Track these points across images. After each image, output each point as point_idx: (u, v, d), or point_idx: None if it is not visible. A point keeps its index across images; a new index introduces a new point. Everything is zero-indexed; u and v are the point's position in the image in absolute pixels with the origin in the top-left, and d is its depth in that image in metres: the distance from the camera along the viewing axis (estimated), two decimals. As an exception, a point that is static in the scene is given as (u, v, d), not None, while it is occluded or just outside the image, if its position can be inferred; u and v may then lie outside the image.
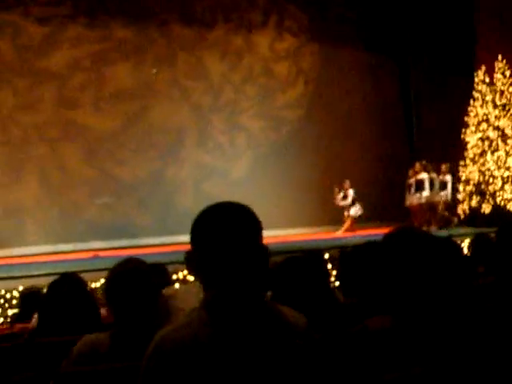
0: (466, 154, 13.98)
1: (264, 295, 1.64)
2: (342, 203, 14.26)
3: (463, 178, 13.98)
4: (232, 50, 15.05)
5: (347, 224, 14.22)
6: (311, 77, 15.87)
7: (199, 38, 14.62)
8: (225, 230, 1.59)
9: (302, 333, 1.65)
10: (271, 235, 12.12)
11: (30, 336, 3.49)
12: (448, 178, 13.77)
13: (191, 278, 8.16)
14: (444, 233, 12.10)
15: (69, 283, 3.31)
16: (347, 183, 14.18)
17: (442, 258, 2.09)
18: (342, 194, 14.26)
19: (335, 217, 14.35)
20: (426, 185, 13.71)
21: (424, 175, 13.74)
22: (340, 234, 13.91)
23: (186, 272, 8.08)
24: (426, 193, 13.72)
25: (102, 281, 6.62)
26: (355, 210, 14.22)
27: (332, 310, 2.81)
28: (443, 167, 13.80)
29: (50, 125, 13.07)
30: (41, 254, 11.73)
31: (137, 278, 2.47)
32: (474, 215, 13.72)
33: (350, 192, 14.18)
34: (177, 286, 5.76)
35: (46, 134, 13.03)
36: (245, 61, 15.21)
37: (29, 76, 12.98)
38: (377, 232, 11.72)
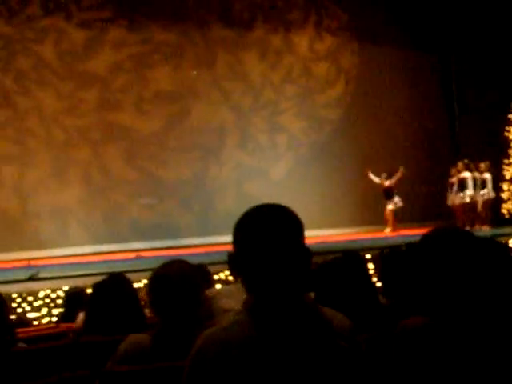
0: (509, 151, 13.73)
1: (307, 297, 1.64)
2: (388, 182, 14.15)
3: (507, 177, 13.73)
4: (271, 50, 15.05)
5: (391, 220, 14.11)
6: (351, 76, 15.78)
7: (238, 38, 14.66)
8: (267, 231, 1.59)
9: (346, 335, 1.65)
10: (312, 235, 12.12)
11: (76, 335, 3.55)
12: (487, 176, 13.54)
13: (233, 279, 8.19)
14: (488, 232, 11.91)
15: (115, 283, 3.35)
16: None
17: (484, 258, 2.05)
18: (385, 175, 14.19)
19: (376, 217, 14.25)
20: (470, 184, 13.53)
21: (467, 174, 13.56)
22: (389, 231, 13.85)
23: (227, 273, 8.12)
24: (469, 192, 13.54)
25: (145, 281, 6.69)
26: (394, 203, 14.10)
27: (373, 311, 2.79)
28: (482, 165, 13.58)
29: (92, 127, 13.27)
30: (84, 254, 11.92)
31: (180, 279, 2.49)
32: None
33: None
34: (218, 286, 5.78)
35: (89, 136, 13.24)
36: (284, 61, 15.20)
37: (71, 79, 13.19)
38: (419, 232, 11.60)
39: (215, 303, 3.48)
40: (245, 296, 2.69)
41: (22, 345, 3.24)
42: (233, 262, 1.65)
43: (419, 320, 1.99)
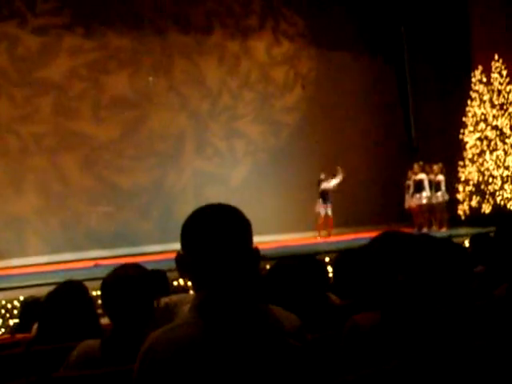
0: (464, 154, 13.98)
1: (255, 296, 1.64)
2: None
3: (462, 179, 13.98)
4: (229, 56, 15.07)
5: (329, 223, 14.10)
6: (309, 81, 15.90)
7: (195, 44, 14.65)
8: (214, 230, 1.59)
9: (295, 333, 1.66)
10: (270, 240, 12.16)
11: (29, 344, 3.49)
12: (441, 177, 13.77)
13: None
14: (445, 233, 12.10)
15: (70, 290, 3.31)
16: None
17: (439, 258, 2.12)
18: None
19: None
20: (426, 185, 13.74)
21: (423, 176, 13.78)
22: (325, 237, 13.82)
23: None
24: (425, 193, 13.74)
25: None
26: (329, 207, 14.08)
27: (325, 311, 2.82)
28: (435, 168, 13.80)
29: (48, 135, 13.09)
30: (42, 264, 11.74)
31: (130, 283, 2.48)
32: (474, 215, 13.70)
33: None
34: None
35: (45, 144, 13.05)
36: (242, 66, 15.23)
37: (26, 86, 12.99)
38: (375, 235, 11.72)
39: (177, 309, 3.46)
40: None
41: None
42: (181, 262, 1.64)
43: (369, 315, 2.03)
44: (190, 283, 6.54)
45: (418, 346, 1.86)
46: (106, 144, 13.55)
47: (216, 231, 1.59)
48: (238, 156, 14.95)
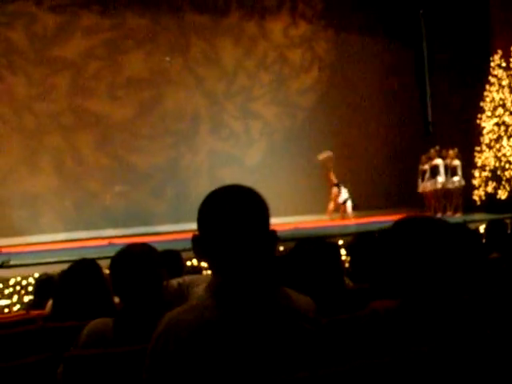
0: (481, 139, 13.84)
1: (271, 279, 1.63)
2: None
3: (479, 164, 13.86)
4: (245, 37, 15.00)
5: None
6: (326, 63, 15.80)
7: (212, 24, 14.58)
8: (231, 212, 1.58)
9: (309, 316, 1.65)
10: (284, 222, 12.15)
11: (44, 321, 3.52)
12: (457, 163, 13.67)
13: (204, 265, 8.19)
14: (459, 219, 12.04)
15: (84, 268, 3.32)
16: None
17: (452, 243, 2.08)
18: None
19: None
20: (441, 170, 13.65)
21: (439, 161, 13.69)
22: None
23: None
24: (441, 178, 13.66)
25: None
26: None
27: (340, 295, 2.81)
28: (451, 153, 13.69)
29: (64, 113, 13.13)
30: (57, 241, 11.82)
31: (140, 261, 2.48)
32: (490, 201, 13.60)
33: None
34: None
35: (61, 122, 13.10)
36: (259, 47, 15.17)
37: (43, 65, 13.02)
38: (388, 219, 11.71)
39: (190, 290, 3.47)
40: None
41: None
42: (197, 243, 1.63)
43: (390, 303, 2.01)
44: (203, 264, 6.57)
45: (439, 334, 1.84)
46: (121, 123, 13.57)
47: (233, 213, 1.58)
48: (254, 137, 14.93)
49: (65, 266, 3.51)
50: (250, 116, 14.89)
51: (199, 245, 1.63)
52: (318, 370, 1.60)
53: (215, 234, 1.58)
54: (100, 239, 11.59)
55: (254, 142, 14.90)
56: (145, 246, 2.58)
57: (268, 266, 1.62)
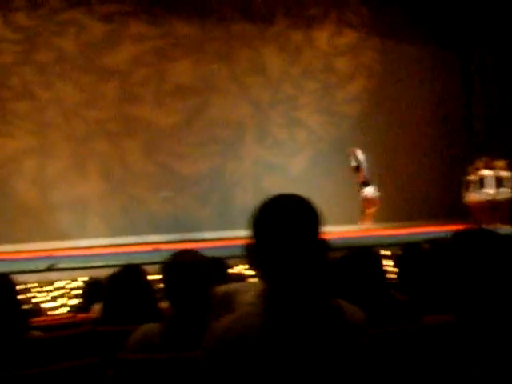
0: (531, 150, 13.56)
1: (323, 289, 1.63)
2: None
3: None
4: (291, 45, 15.02)
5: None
6: (372, 72, 15.70)
7: (258, 33, 14.65)
8: (284, 221, 1.58)
9: (360, 328, 1.64)
10: (330, 231, 12.06)
11: (92, 325, 3.58)
12: (506, 174, 13.41)
13: (249, 272, 8.19)
14: (508, 230, 11.80)
15: (131, 274, 3.37)
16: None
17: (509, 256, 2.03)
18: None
19: (396, 213, 14.17)
20: (489, 182, 13.42)
21: (486, 172, 13.46)
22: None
23: (243, 266, 8.12)
24: (489, 190, 13.43)
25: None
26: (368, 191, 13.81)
27: (388, 306, 2.79)
28: (500, 163, 13.45)
29: (112, 120, 13.35)
30: (102, 246, 11.99)
31: (191, 267, 2.50)
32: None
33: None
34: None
35: (108, 129, 13.32)
36: (304, 55, 15.16)
37: (92, 72, 13.27)
38: (435, 230, 11.55)
39: (236, 298, 3.48)
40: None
41: (36, 333, 3.26)
42: (250, 252, 1.64)
43: (443, 318, 1.97)
44: (247, 272, 6.57)
45: (495, 353, 1.80)
46: (167, 130, 13.72)
47: (286, 221, 1.58)
48: (298, 146, 14.90)
49: (111, 271, 3.56)
50: (294, 124, 14.88)
51: (252, 252, 1.64)
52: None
53: (268, 242, 1.59)
54: (145, 245, 11.71)
55: (299, 150, 14.87)
56: (197, 253, 2.61)
57: (320, 275, 1.62)
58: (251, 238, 1.64)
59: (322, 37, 15.35)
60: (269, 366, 1.51)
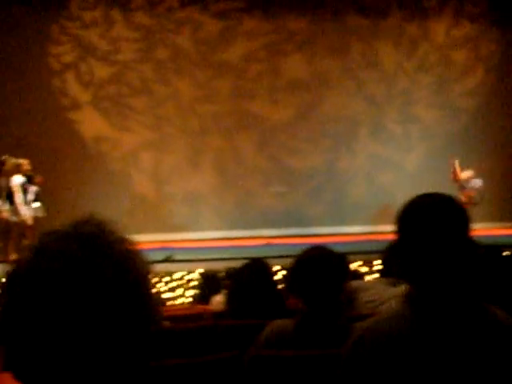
0: None
1: (474, 291, 1.56)
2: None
3: None
4: (406, 38, 14.67)
5: None
6: (491, 64, 15.08)
7: (372, 26, 14.40)
8: (433, 221, 1.53)
9: None
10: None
11: (215, 318, 3.63)
12: None
13: (364, 269, 8.09)
14: None
15: (256, 268, 3.39)
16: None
17: None
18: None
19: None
20: None
21: None
22: None
23: (356, 264, 8.03)
24: None
25: (276, 268, 6.74)
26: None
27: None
28: None
29: (226, 115, 13.56)
30: (216, 239, 12.22)
31: (325, 264, 2.48)
32: None
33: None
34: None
35: (223, 124, 13.54)
36: (420, 49, 14.77)
37: (207, 68, 13.55)
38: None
39: (357, 295, 3.46)
40: (382, 289, 2.62)
41: (165, 323, 3.35)
42: (395, 251, 1.60)
43: None
44: (362, 269, 6.53)
45: None
46: (280, 125, 13.78)
47: (436, 221, 1.53)
48: (413, 141, 14.53)
49: (225, 264, 3.60)
50: (409, 119, 14.52)
51: (397, 253, 1.59)
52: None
53: (419, 242, 1.54)
54: (258, 239, 11.82)
55: (414, 146, 14.51)
56: (327, 250, 2.59)
57: (470, 277, 1.55)
58: (398, 236, 1.59)
59: (439, 29, 14.89)
60: (416, 370, 1.46)
